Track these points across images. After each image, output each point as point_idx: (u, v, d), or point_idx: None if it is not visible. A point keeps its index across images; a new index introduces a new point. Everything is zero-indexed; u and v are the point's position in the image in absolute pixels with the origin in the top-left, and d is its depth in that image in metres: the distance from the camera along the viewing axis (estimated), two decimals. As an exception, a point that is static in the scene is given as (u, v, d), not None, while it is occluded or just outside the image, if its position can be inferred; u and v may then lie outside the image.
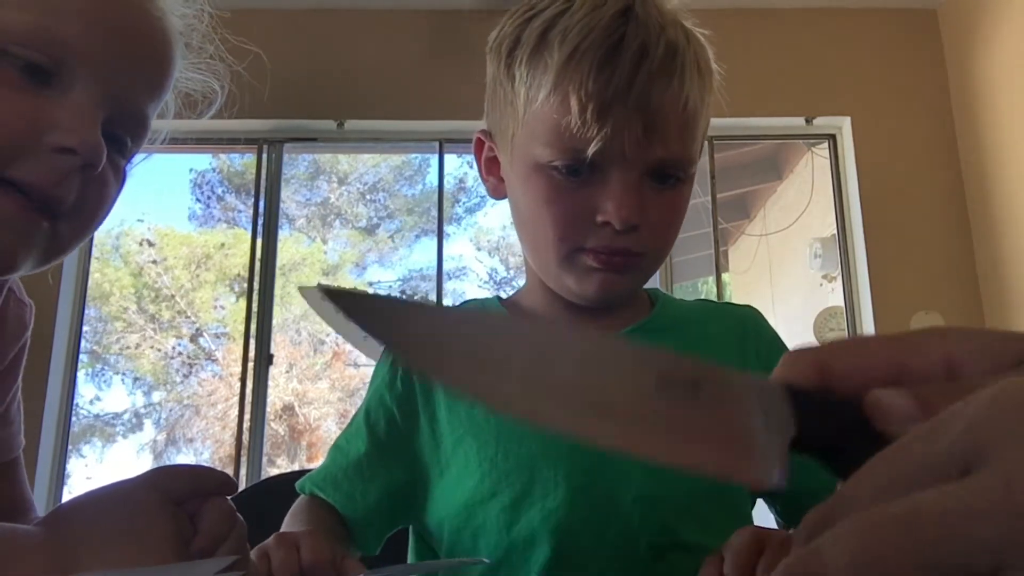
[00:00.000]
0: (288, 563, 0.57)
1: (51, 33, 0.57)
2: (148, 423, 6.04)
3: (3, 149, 0.55)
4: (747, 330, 0.78)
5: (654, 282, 3.25)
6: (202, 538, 0.47)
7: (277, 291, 3.45)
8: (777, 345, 0.79)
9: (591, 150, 0.65)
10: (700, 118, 0.70)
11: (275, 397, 5.53)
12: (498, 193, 0.78)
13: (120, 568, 0.42)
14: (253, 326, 3.32)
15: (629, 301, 0.78)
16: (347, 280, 6.04)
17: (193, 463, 3.52)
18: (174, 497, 0.47)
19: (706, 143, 0.78)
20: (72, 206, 0.59)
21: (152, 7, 0.64)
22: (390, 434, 0.76)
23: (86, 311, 3.34)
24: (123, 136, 0.63)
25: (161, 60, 0.65)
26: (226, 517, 0.48)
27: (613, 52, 0.65)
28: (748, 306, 0.83)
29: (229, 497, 0.50)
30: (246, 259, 3.43)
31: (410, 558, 0.79)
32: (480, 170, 0.80)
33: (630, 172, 0.67)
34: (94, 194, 0.61)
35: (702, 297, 4.47)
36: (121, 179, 0.65)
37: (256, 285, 3.34)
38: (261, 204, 3.42)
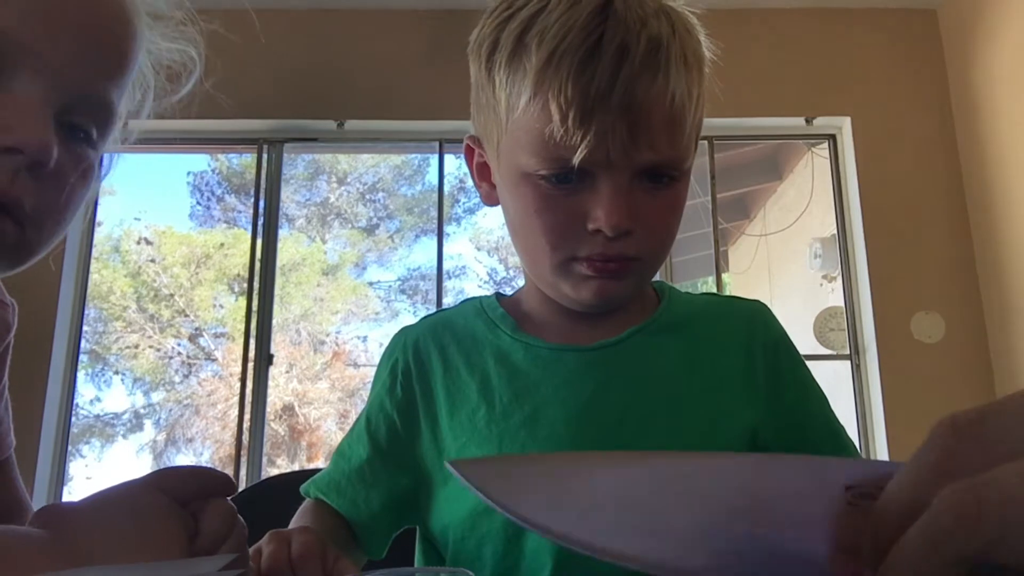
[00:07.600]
0: (278, 555, 0.57)
1: None
2: (148, 423, 6.03)
3: None
4: (755, 328, 0.77)
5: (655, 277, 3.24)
6: (204, 539, 0.47)
7: (277, 291, 3.45)
8: (784, 343, 0.77)
9: (576, 159, 0.63)
10: (689, 113, 0.66)
11: (275, 397, 5.52)
12: (491, 200, 0.76)
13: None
14: (253, 326, 3.32)
15: (629, 304, 0.76)
16: (347, 280, 6.04)
17: (194, 464, 3.50)
18: (178, 498, 0.47)
19: (706, 143, 0.77)
20: (34, 207, 0.56)
21: None
22: (391, 441, 0.76)
23: (86, 311, 3.34)
24: (86, 124, 0.59)
25: (116, 37, 0.59)
26: (227, 518, 0.48)
27: (592, 54, 0.62)
28: (756, 301, 0.81)
29: (229, 497, 0.50)
30: (246, 259, 3.43)
31: (417, 561, 0.78)
32: (473, 177, 0.78)
33: (619, 176, 0.64)
34: (53, 192, 0.57)
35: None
36: (90, 171, 0.61)
37: (256, 285, 3.34)
38: (261, 204, 3.42)
